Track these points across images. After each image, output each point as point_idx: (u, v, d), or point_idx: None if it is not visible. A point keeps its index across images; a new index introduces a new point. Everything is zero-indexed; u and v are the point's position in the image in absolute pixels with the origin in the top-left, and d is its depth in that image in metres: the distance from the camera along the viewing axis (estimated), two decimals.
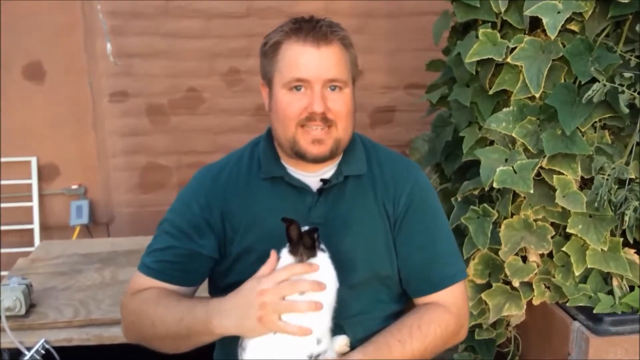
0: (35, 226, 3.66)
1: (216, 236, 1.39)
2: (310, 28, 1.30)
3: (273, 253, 1.23)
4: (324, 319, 1.23)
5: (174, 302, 1.30)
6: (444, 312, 1.37)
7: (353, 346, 1.31)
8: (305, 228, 1.22)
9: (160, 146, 3.70)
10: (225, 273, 1.42)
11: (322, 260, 1.24)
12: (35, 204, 3.66)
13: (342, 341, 1.30)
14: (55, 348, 1.97)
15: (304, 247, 1.21)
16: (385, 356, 1.28)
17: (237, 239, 1.38)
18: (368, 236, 1.39)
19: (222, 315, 1.21)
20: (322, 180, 1.39)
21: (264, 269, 1.21)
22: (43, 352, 1.95)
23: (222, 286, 1.39)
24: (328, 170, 1.41)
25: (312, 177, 1.41)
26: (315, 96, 1.29)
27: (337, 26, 1.35)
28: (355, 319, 1.35)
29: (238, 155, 1.47)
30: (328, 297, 1.22)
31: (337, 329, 1.29)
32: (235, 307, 1.20)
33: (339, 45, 1.32)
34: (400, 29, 3.61)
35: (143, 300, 1.34)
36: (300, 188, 1.39)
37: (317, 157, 1.34)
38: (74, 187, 3.73)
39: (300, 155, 1.34)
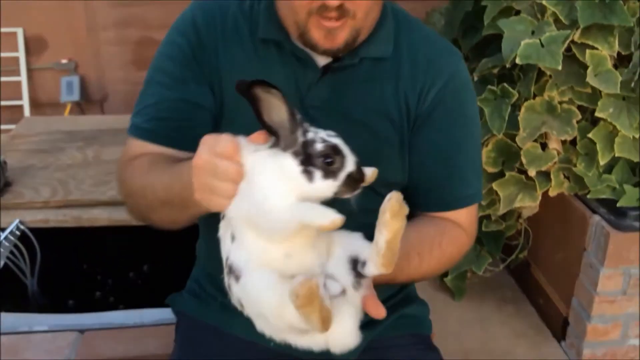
0: (25, 102, 3.49)
1: (209, 85, 1.11)
2: None
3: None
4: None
5: (166, 167, 1.04)
6: (462, 233, 1.20)
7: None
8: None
9: (154, 18, 3.42)
10: None
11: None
12: (23, 78, 3.47)
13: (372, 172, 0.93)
14: (31, 229, 1.84)
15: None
16: (402, 269, 1.05)
17: (226, 103, 1.12)
18: (377, 134, 1.14)
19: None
20: (332, 56, 1.11)
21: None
22: (18, 233, 1.82)
23: None
24: None
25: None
26: None
27: None
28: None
29: (237, 4, 1.15)
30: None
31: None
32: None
33: None
34: None
35: (135, 169, 1.10)
36: (303, 60, 1.12)
37: (328, 51, 1.08)
38: (64, 61, 3.51)
39: (309, 46, 1.08)
